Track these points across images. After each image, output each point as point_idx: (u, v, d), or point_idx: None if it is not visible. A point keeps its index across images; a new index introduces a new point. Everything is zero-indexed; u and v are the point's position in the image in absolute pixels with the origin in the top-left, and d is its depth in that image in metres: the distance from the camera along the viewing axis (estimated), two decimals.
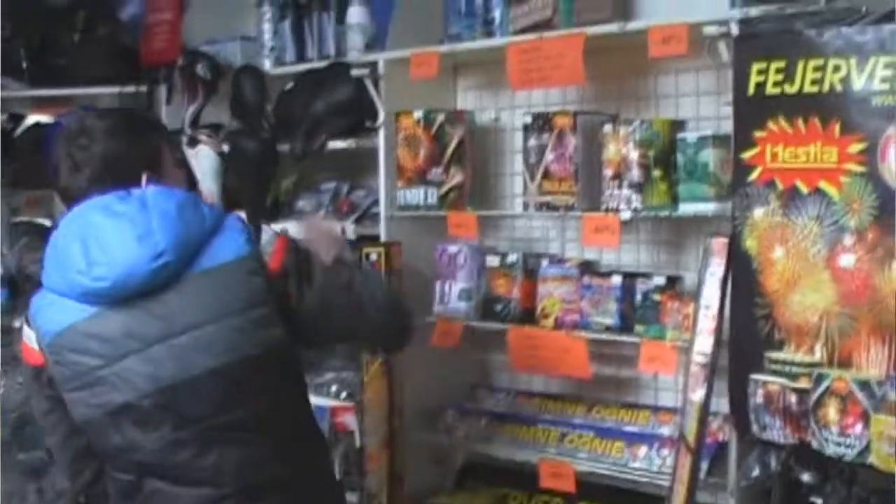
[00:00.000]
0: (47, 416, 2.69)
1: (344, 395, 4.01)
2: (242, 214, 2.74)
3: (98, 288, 2.48)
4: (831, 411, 2.82)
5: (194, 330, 2.49)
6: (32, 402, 2.77)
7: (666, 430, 3.45)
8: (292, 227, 3.19)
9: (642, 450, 3.46)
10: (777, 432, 2.94)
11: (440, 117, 3.80)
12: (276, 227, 2.88)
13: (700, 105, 3.50)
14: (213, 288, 2.52)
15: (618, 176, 3.35)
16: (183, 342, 2.49)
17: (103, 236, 2.49)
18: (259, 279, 2.54)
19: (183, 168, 3.12)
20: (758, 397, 2.95)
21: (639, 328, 3.37)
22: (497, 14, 3.76)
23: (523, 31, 3.62)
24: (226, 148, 4.25)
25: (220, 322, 2.50)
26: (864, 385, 2.76)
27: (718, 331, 3.04)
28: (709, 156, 3.18)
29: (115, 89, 4.76)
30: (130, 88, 4.73)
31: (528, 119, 3.59)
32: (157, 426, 2.50)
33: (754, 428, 2.99)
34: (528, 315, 3.62)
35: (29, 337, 2.62)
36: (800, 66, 2.86)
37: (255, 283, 2.54)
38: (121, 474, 2.59)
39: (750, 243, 2.97)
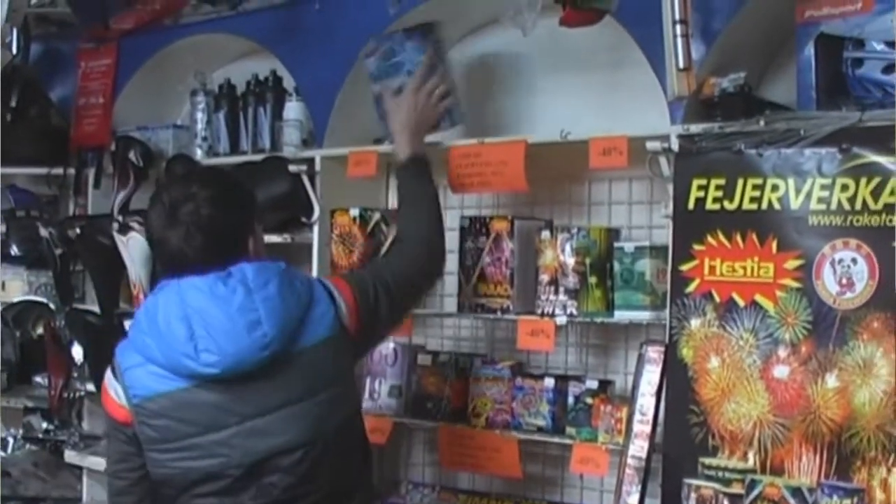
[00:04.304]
0: (117, 464, 2.77)
1: None
2: (326, 280, 2.89)
3: (206, 373, 2.59)
4: None
5: (286, 407, 2.64)
6: (107, 447, 2.86)
7: None
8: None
9: None
10: None
11: (375, 216, 3.83)
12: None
13: (633, 213, 3.60)
14: (304, 368, 2.67)
15: (554, 281, 3.42)
16: (276, 418, 2.63)
17: (211, 323, 2.59)
18: (344, 359, 2.78)
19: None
20: (691, 501, 3.02)
21: (570, 430, 3.41)
22: None
23: None
24: None
25: (307, 401, 2.65)
26: (796, 492, 2.86)
27: (652, 435, 3.12)
28: (645, 265, 3.28)
29: (44, 170, 4.76)
30: (59, 170, 4.73)
31: (466, 222, 3.66)
32: (236, 495, 2.63)
33: None
34: (460, 414, 3.66)
35: (116, 390, 2.71)
36: (739, 183, 2.99)
37: (339, 364, 2.76)
38: None
39: (686, 352, 3.07)
